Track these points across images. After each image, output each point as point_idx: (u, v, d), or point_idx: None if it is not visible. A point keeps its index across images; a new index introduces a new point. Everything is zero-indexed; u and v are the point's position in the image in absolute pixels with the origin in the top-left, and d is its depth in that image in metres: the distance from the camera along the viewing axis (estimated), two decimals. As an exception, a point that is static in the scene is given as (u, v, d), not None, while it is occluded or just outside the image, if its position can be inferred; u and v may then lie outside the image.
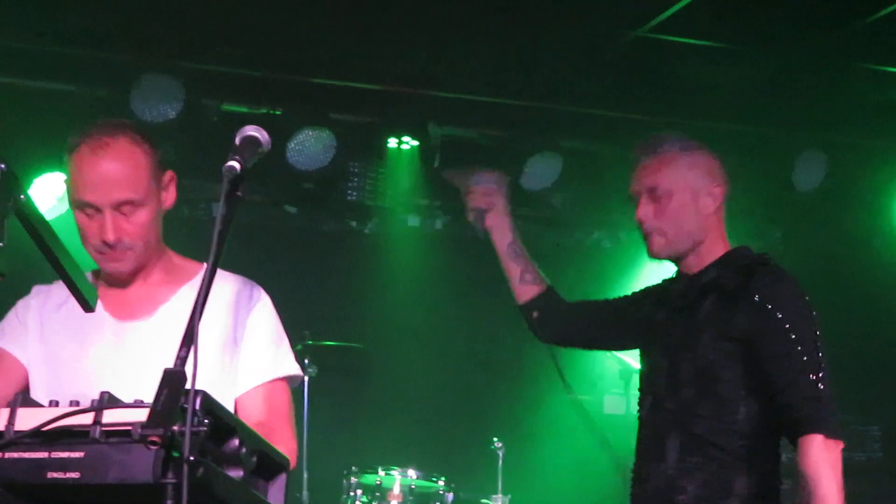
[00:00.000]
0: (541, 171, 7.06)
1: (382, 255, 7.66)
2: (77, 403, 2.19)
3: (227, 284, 3.02)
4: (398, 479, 6.40)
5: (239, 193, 2.40)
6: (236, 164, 2.38)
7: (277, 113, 6.53)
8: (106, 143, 2.85)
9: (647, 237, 3.39)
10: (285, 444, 2.74)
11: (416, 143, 6.95)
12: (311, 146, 6.59)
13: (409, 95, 6.74)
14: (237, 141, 2.46)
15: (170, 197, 2.97)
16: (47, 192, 6.24)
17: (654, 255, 3.38)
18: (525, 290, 3.68)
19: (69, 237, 2.56)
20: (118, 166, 2.84)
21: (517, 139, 7.06)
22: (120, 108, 5.99)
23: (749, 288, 3.20)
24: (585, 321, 3.75)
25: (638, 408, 3.50)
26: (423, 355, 7.46)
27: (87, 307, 2.45)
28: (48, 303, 3.03)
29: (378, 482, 6.41)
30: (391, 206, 7.46)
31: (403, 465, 6.45)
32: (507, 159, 7.04)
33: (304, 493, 6.37)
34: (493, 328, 7.60)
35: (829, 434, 3.02)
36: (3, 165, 2.20)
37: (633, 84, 6.64)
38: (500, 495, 6.59)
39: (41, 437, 2.15)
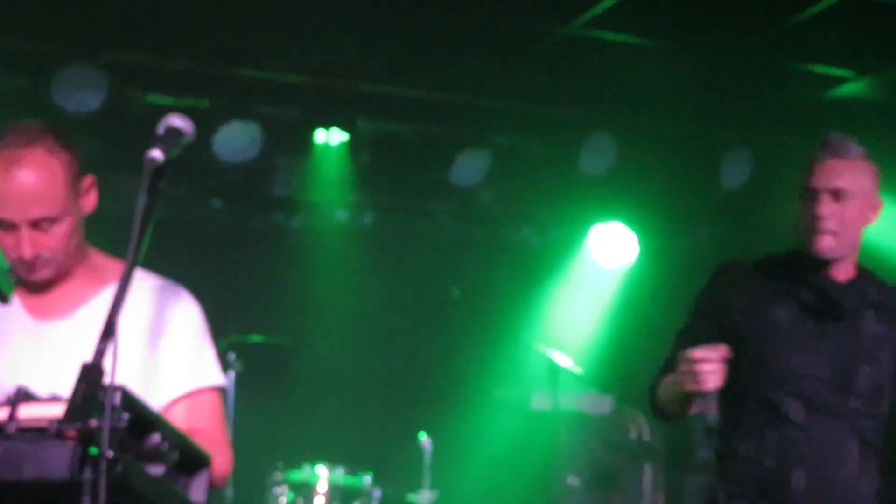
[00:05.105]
0: (470, 167, 7.07)
1: (310, 250, 7.61)
2: (-9, 399, 2.14)
3: (149, 284, 2.92)
4: (325, 476, 6.37)
5: (161, 185, 2.35)
6: (158, 155, 2.34)
7: (204, 105, 6.46)
8: (19, 156, 2.69)
9: (815, 233, 3.38)
10: (220, 453, 2.67)
11: (345, 137, 6.91)
12: (237, 139, 6.53)
13: (337, 89, 6.70)
14: (160, 130, 2.41)
15: (90, 202, 2.85)
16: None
17: (818, 252, 3.39)
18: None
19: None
20: (32, 182, 2.69)
21: (446, 134, 7.06)
22: (41, 100, 5.89)
23: None
24: None
25: (767, 412, 3.43)
26: (350, 351, 7.42)
27: (2, 298, 2.39)
28: None
29: (304, 478, 6.37)
30: (319, 201, 7.41)
31: (330, 460, 6.42)
32: (437, 154, 7.05)
33: (229, 489, 6.30)
34: (420, 324, 7.60)
35: None
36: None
37: (562, 80, 6.67)
38: (427, 490, 6.58)
39: (-47, 433, 2.10)
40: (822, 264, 3.43)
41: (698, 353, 3.19)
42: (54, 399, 2.11)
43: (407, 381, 7.52)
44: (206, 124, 6.30)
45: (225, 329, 6.37)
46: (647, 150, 7.18)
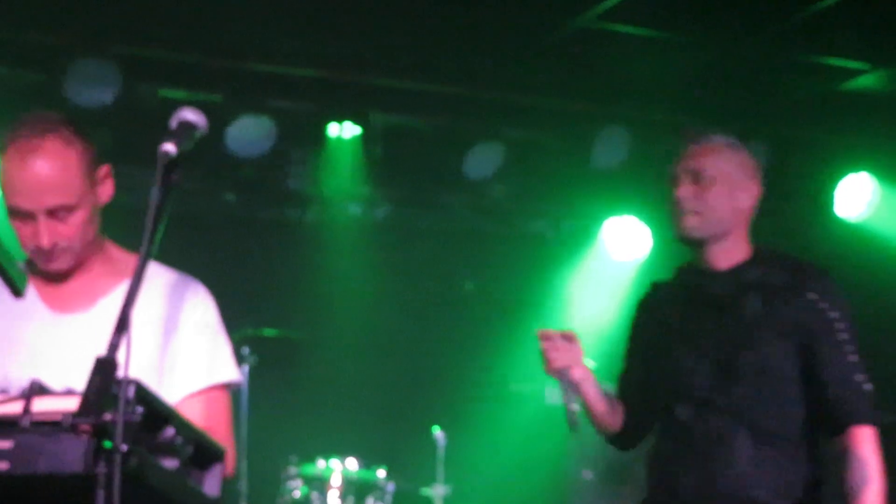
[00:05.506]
0: (483, 160, 7.05)
1: (323, 244, 7.61)
2: (5, 393, 2.13)
3: (163, 278, 2.92)
4: (338, 469, 6.37)
5: (174, 178, 2.35)
6: (171, 148, 2.34)
7: (217, 99, 6.45)
8: (36, 145, 2.72)
9: (680, 216, 3.45)
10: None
11: (357, 131, 6.90)
12: (250, 133, 6.52)
13: (350, 82, 6.69)
14: (173, 124, 2.42)
15: (106, 191, 2.86)
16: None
17: (685, 233, 3.44)
18: (614, 421, 3.66)
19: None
20: (49, 171, 2.71)
21: (459, 127, 7.04)
22: (53, 93, 5.89)
23: (801, 286, 3.38)
24: (646, 409, 3.65)
25: (665, 418, 3.48)
26: (363, 344, 7.42)
27: (17, 292, 2.39)
28: None
29: (318, 472, 6.37)
30: (332, 195, 7.40)
31: (344, 454, 6.42)
32: (450, 148, 7.03)
33: (243, 482, 6.30)
34: (433, 317, 7.59)
35: (876, 426, 3.34)
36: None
37: (575, 73, 6.64)
38: (441, 484, 6.57)
39: (-32, 427, 2.09)
40: (700, 250, 3.44)
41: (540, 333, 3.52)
42: (69, 393, 2.10)
43: (420, 375, 7.51)
44: (219, 118, 6.30)
45: (238, 323, 6.36)
46: (660, 144, 7.14)
